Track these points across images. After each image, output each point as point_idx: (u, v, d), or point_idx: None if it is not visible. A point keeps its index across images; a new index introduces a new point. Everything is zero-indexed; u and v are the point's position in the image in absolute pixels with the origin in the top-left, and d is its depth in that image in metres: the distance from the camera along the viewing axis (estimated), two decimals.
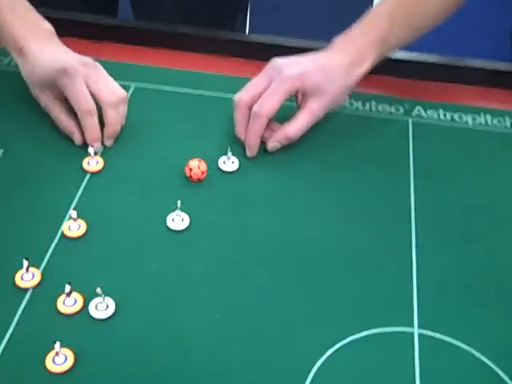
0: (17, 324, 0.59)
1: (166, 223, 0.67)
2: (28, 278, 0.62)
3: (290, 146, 0.75)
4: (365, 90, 0.84)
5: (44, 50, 0.74)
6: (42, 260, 0.64)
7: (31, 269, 0.62)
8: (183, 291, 0.62)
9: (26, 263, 0.61)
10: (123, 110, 0.75)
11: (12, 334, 0.58)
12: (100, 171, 0.72)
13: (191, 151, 0.74)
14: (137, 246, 0.66)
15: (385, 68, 0.87)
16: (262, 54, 0.86)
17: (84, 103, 0.72)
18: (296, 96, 0.75)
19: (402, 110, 0.82)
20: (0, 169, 0.72)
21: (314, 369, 0.57)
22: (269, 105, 0.72)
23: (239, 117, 0.75)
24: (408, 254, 0.66)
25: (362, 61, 0.75)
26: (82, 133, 0.74)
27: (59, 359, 0.56)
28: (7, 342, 0.57)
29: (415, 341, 0.59)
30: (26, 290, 0.61)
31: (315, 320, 0.61)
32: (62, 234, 0.66)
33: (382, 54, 0.77)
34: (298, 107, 0.75)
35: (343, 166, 0.75)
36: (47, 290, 0.61)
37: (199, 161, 0.71)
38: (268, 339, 0.59)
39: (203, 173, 0.71)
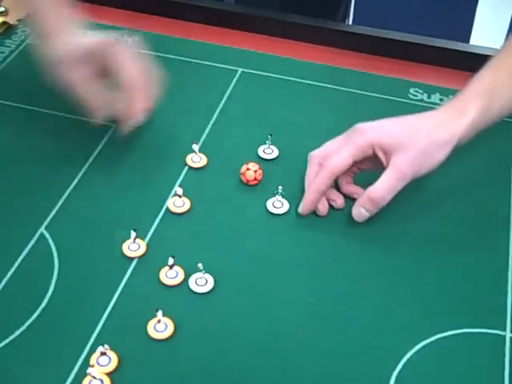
0: (122, 290, 0.62)
1: (266, 206, 0.70)
2: (134, 248, 0.65)
3: None
4: None
5: (81, 35, 0.74)
6: (148, 232, 0.67)
7: (138, 240, 0.66)
8: (278, 272, 0.64)
9: (133, 234, 0.65)
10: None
11: (118, 299, 0.62)
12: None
13: (291, 138, 0.76)
14: (236, 227, 0.68)
15: None
16: (363, 45, 0.87)
17: (137, 76, 0.71)
18: (379, 157, 0.67)
19: None
20: (110, 142, 0.76)
21: (402, 362, 0.58)
22: (337, 159, 0.67)
23: (309, 172, 0.70)
24: (505, 257, 0.66)
25: (462, 114, 0.66)
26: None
27: (160, 326, 0.59)
28: (113, 306, 0.61)
29: (506, 344, 0.59)
30: (131, 259, 0.65)
31: (405, 314, 0.61)
32: (167, 209, 0.69)
33: (491, 108, 0.68)
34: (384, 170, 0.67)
35: (443, 163, 0.75)
36: (151, 261, 0.65)
37: (248, 169, 0.71)
38: (357, 329, 0.60)
39: (256, 171, 0.71)
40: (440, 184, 0.73)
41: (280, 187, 0.69)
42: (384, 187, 0.66)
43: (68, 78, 0.73)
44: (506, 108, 0.69)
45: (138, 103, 0.72)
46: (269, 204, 0.70)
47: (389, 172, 0.65)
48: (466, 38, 1.58)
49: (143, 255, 0.65)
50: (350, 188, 0.70)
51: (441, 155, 0.66)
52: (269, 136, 0.74)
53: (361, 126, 0.68)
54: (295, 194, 0.70)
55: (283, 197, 0.70)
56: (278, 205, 0.70)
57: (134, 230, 0.65)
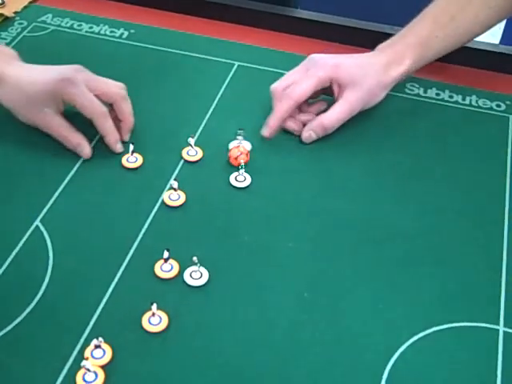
0: (117, 283, 0.62)
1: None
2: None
3: (381, 138, 0.76)
4: (466, 84, 0.84)
5: (24, 71, 0.73)
6: (143, 226, 0.67)
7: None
8: (273, 266, 0.64)
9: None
10: (129, 101, 0.75)
11: (112, 292, 0.62)
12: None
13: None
14: (232, 220, 0.68)
15: (489, 63, 0.87)
16: (359, 39, 0.87)
17: (98, 107, 0.71)
18: (332, 89, 0.75)
19: (503, 107, 0.81)
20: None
21: (396, 355, 0.58)
22: (299, 88, 0.74)
23: (274, 103, 0.75)
24: (499, 251, 0.66)
25: (400, 61, 0.76)
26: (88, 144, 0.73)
27: (155, 320, 0.59)
28: (108, 299, 0.61)
29: (500, 338, 0.60)
30: (127, 252, 0.65)
31: (400, 308, 0.62)
32: (163, 202, 0.69)
33: (424, 57, 0.77)
34: (335, 100, 0.76)
35: (438, 157, 0.75)
36: (146, 254, 0.65)
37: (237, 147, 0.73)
38: (352, 322, 0.61)
39: (242, 153, 0.72)
40: (435, 177, 0.73)
41: None
42: (336, 116, 0.75)
43: (39, 120, 0.72)
44: (436, 57, 0.79)
45: (109, 137, 0.73)
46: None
47: (341, 104, 0.74)
48: None
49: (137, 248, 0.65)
50: (305, 116, 0.77)
51: (382, 95, 0.77)
52: (239, 131, 0.74)
53: (319, 59, 0.76)
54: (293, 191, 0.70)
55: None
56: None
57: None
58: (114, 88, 0.74)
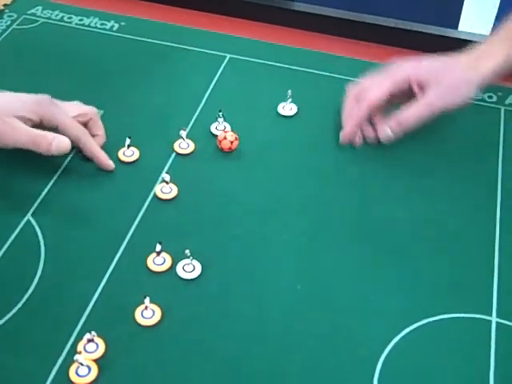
0: (109, 276, 0.62)
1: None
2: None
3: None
4: None
5: None
6: (135, 219, 0.67)
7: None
8: (266, 259, 0.64)
9: None
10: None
11: (105, 285, 0.61)
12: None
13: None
14: (224, 213, 0.68)
15: None
16: (353, 31, 0.87)
17: (81, 127, 0.70)
18: (413, 91, 0.72)
19: (494, 98, 0.81)
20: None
21: (390, 346, 0.58)
22: (374, 91, 0.72)
23: (346, 106, 0.75)
24: (491, 241, 0.66)
25: (489, 56, 0.72)
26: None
27: (147, 313, 0.59)
28: (100, 293, 0.61)
29: (492, 329, 0.60)
30: (118, 245, 0.64)
31: (393, 299, 0.62)
32: (155, 195, 0.69)
33: None
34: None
35: (430, 149, 0.75)
36: (138, 247, 0.64)
37: (225, 138, 0.72)
38: (345, 314, 0.61)
39: (232, 142, 0.72)
40: (428, 168, 0.73)
41: None
42: (412, 114, 0.72)
43: (25, 137, 0.66)
44: None
45: (99, 154, 0.70)
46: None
47: (420, 102, 0.71)
48: (454, 24, 1.57)
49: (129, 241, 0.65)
50: (382, 120, 0.74)
51: (469, 92, 0.72)
52: (219, 113, 0.74)
53: (401, 62, 0.73)
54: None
55: None
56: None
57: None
58: (85, 108, 0.72)
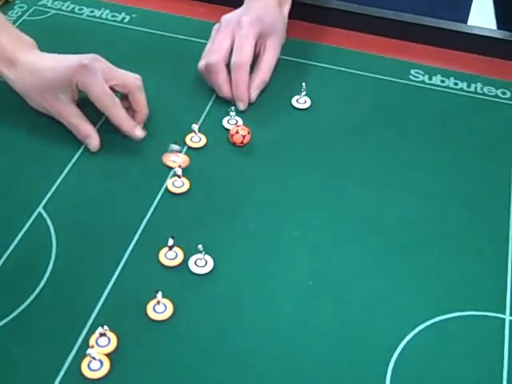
0: (121, 271, 0.62)
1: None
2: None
3: (386, 126, 0.76)
4: (471, 71, 0.83)
5: (41, 57, 0.73)
6: (147, 213, 0.67)
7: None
8: (279, 254, 0.64)
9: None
10: (144, 92, 0.74)
11: (117, 279, 0.61)
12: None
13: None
14: (236, 207, 0.68)
15: (493, 49, 0.86)
16: (359, 24, 0.86)
17: (111, 98, 0.70)
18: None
19: (508, 94, 0.81)
20: (108, 121, 0.75)
21: (402, 343, 0.58)
22: (246, 51, 0.75)
23: (221, 77, 0.76)
24: (505, 239, 0.66)
25: (286, 1, 0.83)
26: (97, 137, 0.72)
27: (160, 308, 0.59)
28: (112, 287, 0.61)
29: (506, 327, 0.59)
30: (130, 239, 0.64)
31: (405, 296, 0.61)
32: (166, 189, 0.69)
33: None
34: (258, 52, 0.78)
35: (443, 145, 0.75)
36: (150, 241, 0.64)
37: (237, 132, 0.73)
38: (357, 310, 0.60)
39: (244, 136, 0.72)
40: (440, 165, 0.73)
41: None
42: (269, 68, 0.78)
43: (51, 106, 0.72)
44: None
45: (125, 124, 0.71)
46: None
47: (269, 53, 0.78)
48: (464, 19, 1.56)
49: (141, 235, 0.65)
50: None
51: (285, 33, 0.82)
52: (231, 106, 0.76)
53: (236, 17, 0.78)
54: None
55: None
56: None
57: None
58: (130, 78, 0.72)
